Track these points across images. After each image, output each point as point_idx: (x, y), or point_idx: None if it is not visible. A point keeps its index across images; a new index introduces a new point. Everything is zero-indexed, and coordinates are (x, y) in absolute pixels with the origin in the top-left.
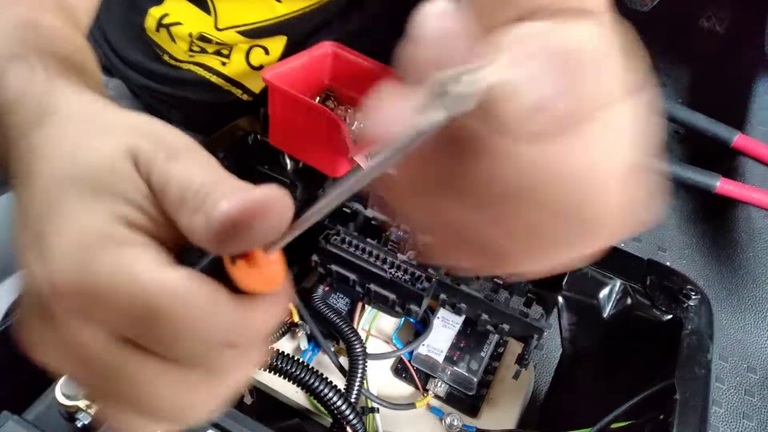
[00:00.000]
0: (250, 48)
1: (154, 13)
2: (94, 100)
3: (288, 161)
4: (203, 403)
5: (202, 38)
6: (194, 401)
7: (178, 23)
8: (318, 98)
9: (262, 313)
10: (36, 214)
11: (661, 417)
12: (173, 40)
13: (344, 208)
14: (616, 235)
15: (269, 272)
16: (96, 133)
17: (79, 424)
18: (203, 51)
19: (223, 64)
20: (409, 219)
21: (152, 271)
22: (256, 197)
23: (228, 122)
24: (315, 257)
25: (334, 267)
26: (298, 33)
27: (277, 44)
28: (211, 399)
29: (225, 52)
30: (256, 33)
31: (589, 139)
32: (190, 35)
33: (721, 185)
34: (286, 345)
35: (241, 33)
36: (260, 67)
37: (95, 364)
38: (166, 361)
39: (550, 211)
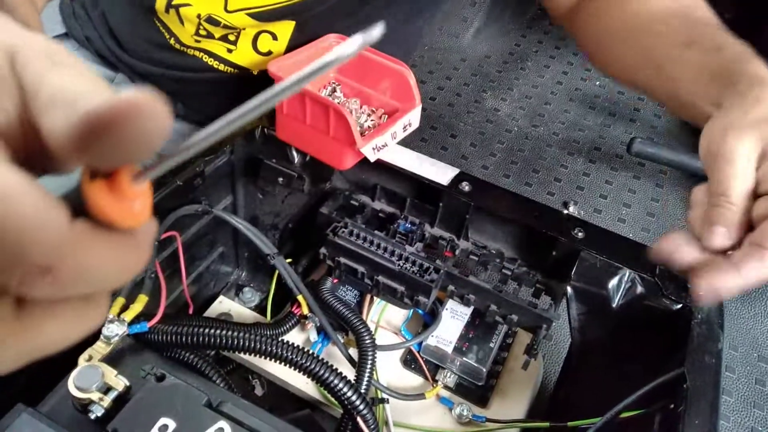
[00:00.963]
0: (258, 33)
1: None
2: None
3: (295, 154)
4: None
5: (211, 20)
6: None
7: (188, 4)
8: (324, 91)
9: (103, 249)
10: None
11: (672, 406)
12: (181, 22)
13: (352, 201)
14: None
15: (130, 204)
16: None
17: (92, 416)
18: (210, 35)
19: (229, 51)
20: None
21: None
22: (128, 97)
23: None
24: (323, 250)
25: (342, 259)
26: (306, 18)
27: (285, 29)
28: (12, 346)
29: (232, 37)
30: (265, 16)
31: None
32: (199, 17)
33: None
34: (296, 337)
35: (251, 15)
36: (268, 53)
37: None
38: None
39: None
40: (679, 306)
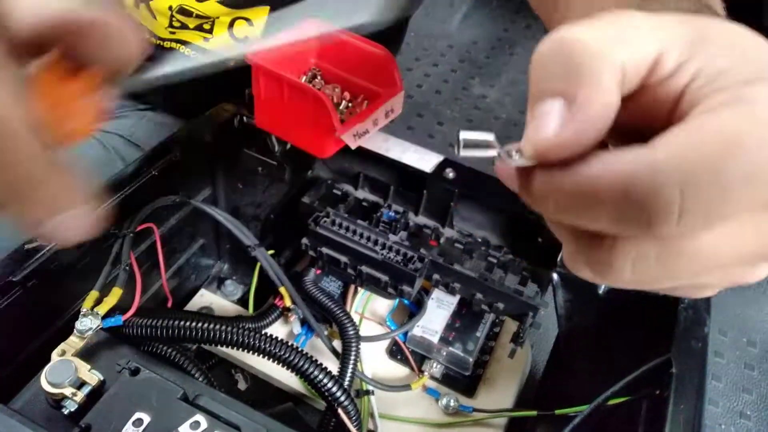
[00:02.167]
0: (233, 20)
1: None
2: None
3: (275, 143)
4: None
5: (183, 11)
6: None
7: None
8: (304, 77)
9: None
10: None
11: (658, 392)
12: (153, 16)
13: (334, 190)
14: None
15: (69, 105)
16: None
17: (65, 412)
18: (184, 26)
19: (206, 39)
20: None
21: None
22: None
23: (210, 106)
24: (305, 240)
25: (324, 250)
26: (279, 2)
27: (260, 14)
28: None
29: (207, 26)
30: (237, 3)
31: None
32: (170, 8)
33: None
34: (279, 329)
35: (222, 3)
36: (245, 39)
37: None
38: None
39: None
40: None
